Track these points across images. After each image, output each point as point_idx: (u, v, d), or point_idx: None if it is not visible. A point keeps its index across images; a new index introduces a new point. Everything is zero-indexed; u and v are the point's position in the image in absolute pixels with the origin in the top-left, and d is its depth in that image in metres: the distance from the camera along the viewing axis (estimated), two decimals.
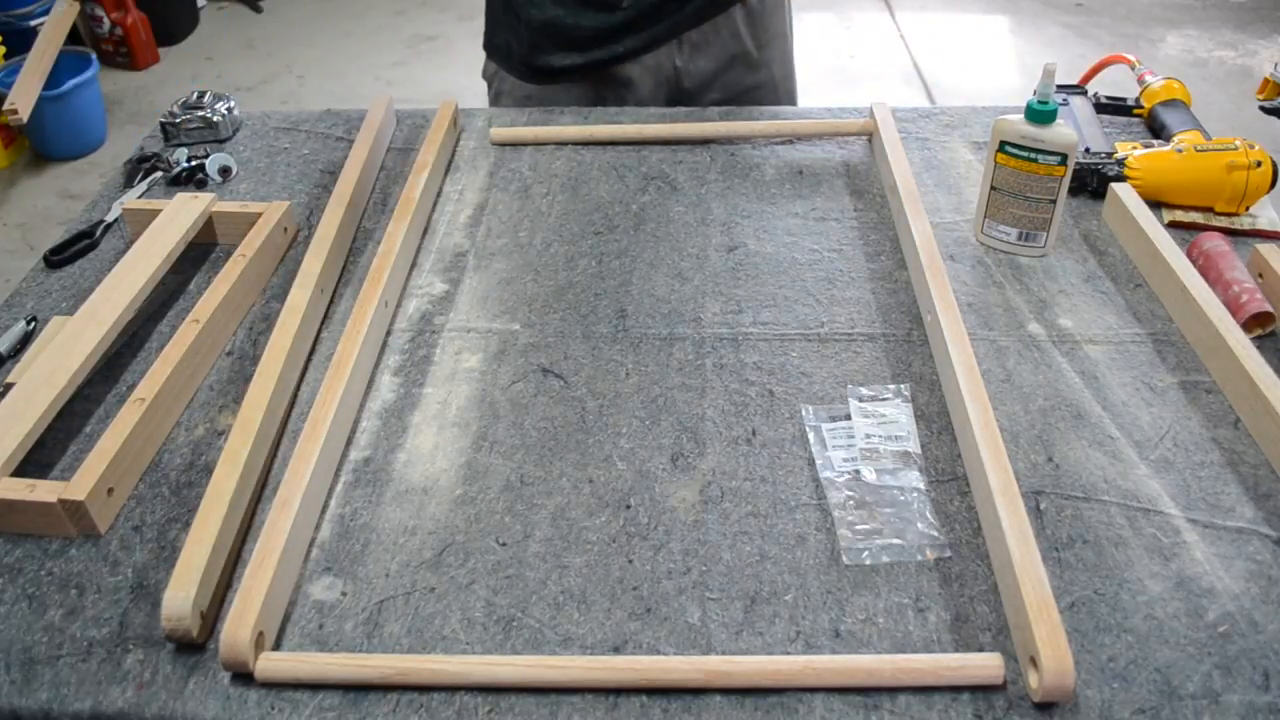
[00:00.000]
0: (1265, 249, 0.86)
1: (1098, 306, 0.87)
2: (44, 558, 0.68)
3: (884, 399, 0.78)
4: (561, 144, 1.11)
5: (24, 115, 2.58)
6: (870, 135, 1.10)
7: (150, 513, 0.71)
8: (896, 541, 0.67)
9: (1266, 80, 1.18)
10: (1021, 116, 0.88)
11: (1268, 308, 0.81)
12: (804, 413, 0.77)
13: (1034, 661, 0.57)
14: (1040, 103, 0.87)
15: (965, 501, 0.70)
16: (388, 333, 0.86)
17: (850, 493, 0.70)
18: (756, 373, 0.81)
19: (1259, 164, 0.93)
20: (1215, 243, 0.88)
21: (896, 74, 3.35)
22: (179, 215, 0.93)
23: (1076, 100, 1.13)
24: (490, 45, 1.27)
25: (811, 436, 0.75)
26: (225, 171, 1.07)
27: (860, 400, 0.78)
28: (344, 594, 0.65)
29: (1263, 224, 0.95)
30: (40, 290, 0.93)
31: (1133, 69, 1.15)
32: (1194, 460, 0.72)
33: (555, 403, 0.79)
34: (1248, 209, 0.96)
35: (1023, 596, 0.59)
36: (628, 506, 0.70)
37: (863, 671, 0.59)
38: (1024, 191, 0.90)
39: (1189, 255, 0.88)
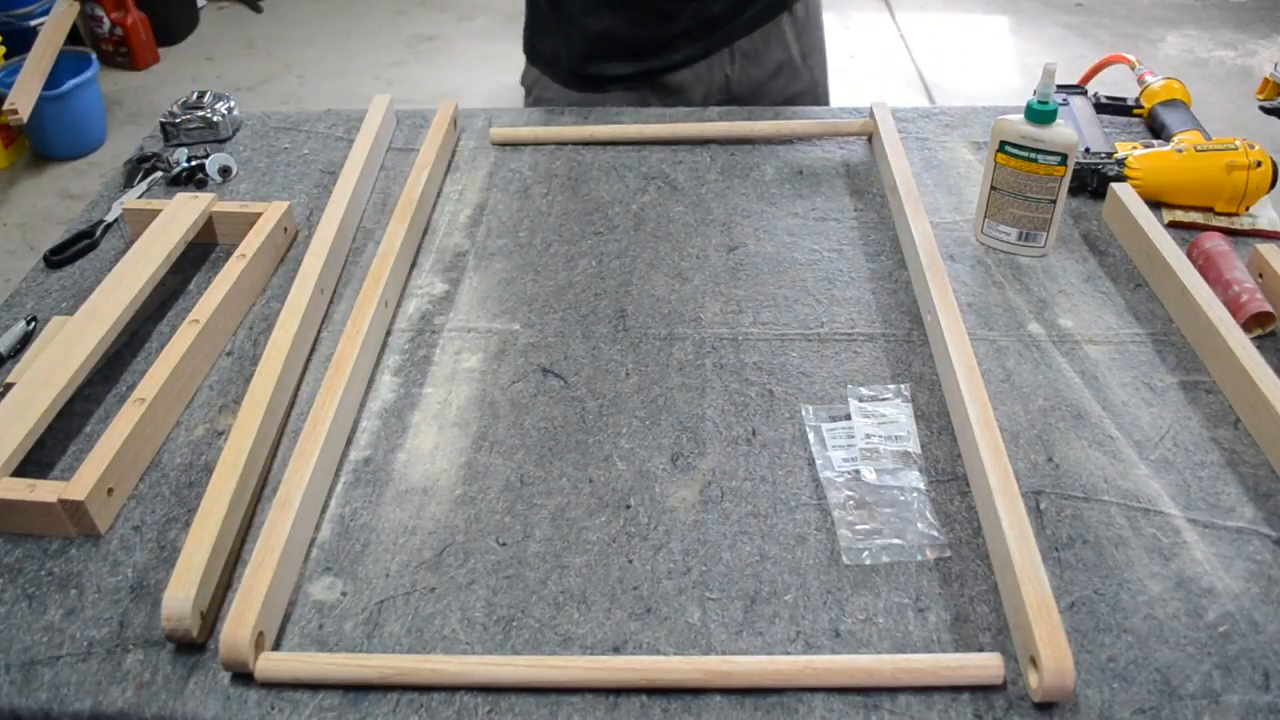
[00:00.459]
0: (1265, 249, 0.86)
1: (1098, 306, 0.87)
2: (44, 558, 0.68)
3: (884, 399, 0.78)
4: (561, 144, 1.11)
5: (24, 115, 2.58)
6: (870, 135, 1.10)
7: (150, 513, 0.71)
8: (896, 541, 0.67)
9: (1266, 80, 1.18)
10: (1021, 116, 0.88)
11: (1268, 308, 0.81)
12: (804, 413, 0.77)
13: (1034, 661, 0.57)
14: (1040, 103, 0.87)
15: (965, 501, 0.70)
16: (388, 333, 0.86)
17: (850, 493, 0.70)
18: (756, 373, 0.81)
19: (1259, 164, 0.93)
20: (1215, 243, 0.88)
21: (896, 74, 3.35)
22: (179, 215, 0.93)
23: (1076, 100, 1.13)
24: (533, 52, 1.26)
25: (811, 436, 0.75)
26: (225, 171, 1.07)
27: (860, 400, 0.78)
28: (344, 594, 0.65)
29: (1263, 224, 0.95)
30: (40, 290, 0.93)
31: (1133, 69, 1.15)
32: (1194, 460, 0.72)
33: (555, 403, 0.79)
34: (1248, 209, 0.96)
35: (1023, 596, 0.59)
36: (628, 506, 0.70)
37: (863, 671, 0.59)
38: (1024, 191, 0.90)
39: (1189, 255, 0.88)
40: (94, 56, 2.96)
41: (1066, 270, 0.91)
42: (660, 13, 1.13)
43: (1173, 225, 0.96)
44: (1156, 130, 1.07)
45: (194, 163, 1.07)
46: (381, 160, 1.10)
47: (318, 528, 0.70)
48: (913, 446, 0.74)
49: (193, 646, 0.62)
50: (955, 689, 0.59)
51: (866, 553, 0.66)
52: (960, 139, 1.10)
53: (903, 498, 0.70)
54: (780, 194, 1.02)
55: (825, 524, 0.69)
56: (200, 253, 0.97)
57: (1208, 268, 0.86)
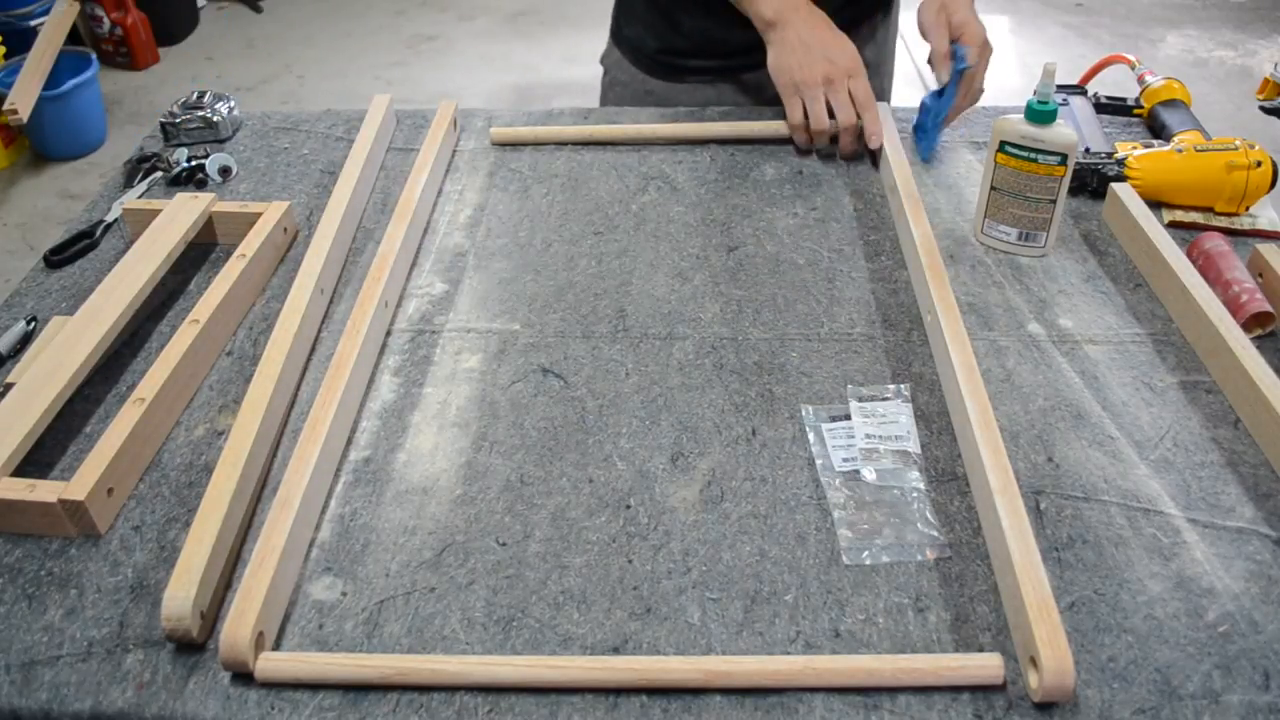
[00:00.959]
0: (1265, 249, 0.86)
1: (1098, 306, 0.87)
2: (44, 558, 0.68)
3: (884, 399, 0.78)
4: (561, 144, 1.11)
5: (24, 115, 2.58)
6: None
7: (150, 513, 0.71)
8: (896, 541, 0.67)
9: (1266, 80, 1.19)
10: (1021, 116, 0.88)
11: (1268, 308, 0.81)
12: (804, 412, 0.77)
13: (1034, 661, 0.57)
14: (1040, 103, 0.87)
15: (965, 501, 0.70)
16: (388, 333, 0.86)
17: (850, 492, 0.70)
18: (756, 373, 0.81)
19: (1259, 164, 0.93)
20: (1215, 243, 0.88)
21: (897, 74, 3.34)
22: (179, 215, 0.93)
23: (1076, 100, 1.13)
24: (619, 35, 1.27)
25: (811, 436, 0.75)
26: (225, 171, 1.07)
27: (860, 400, 0.78)
28: (344, 594, 0.65)
29: (1263, 224, 0.95)
30: (40, 290, 0.93)
31: (1133, 69, 1.15)
32: (1194, 460, 0.72)
33: (555, 403, 0.79)
34: (1248, 209, 0.96)
35: (1023, 596, 0.59)
36: (628, 506, 0.70)
37: (863, 671, 0.59)
38: (1024, 191, 0.90)
39: (1189, 255, 0.88)
40: (94, 56, 2.96)
41: (1066, 270, 0.91)
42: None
43: (1173, 225, 0.96)
44: (1156, 130, 1.08)
45: (194, 163, 1.07)
46: (381, 160, 1.10)
47: (318, 528, 0.70)
48: (912, 446, 0.74)
49: (193, 646, 0.62)
50: (955, 689, 0.59)
51: (866, 552, 0.66)
52: (960, 139, 1.10)
53: (903, 498, 0.70)
54: (780, 194, 1.02)
55: (825, 524, 0.69)
56: (200, 253, 0.97)
57: (1208, 268, 0.86)
